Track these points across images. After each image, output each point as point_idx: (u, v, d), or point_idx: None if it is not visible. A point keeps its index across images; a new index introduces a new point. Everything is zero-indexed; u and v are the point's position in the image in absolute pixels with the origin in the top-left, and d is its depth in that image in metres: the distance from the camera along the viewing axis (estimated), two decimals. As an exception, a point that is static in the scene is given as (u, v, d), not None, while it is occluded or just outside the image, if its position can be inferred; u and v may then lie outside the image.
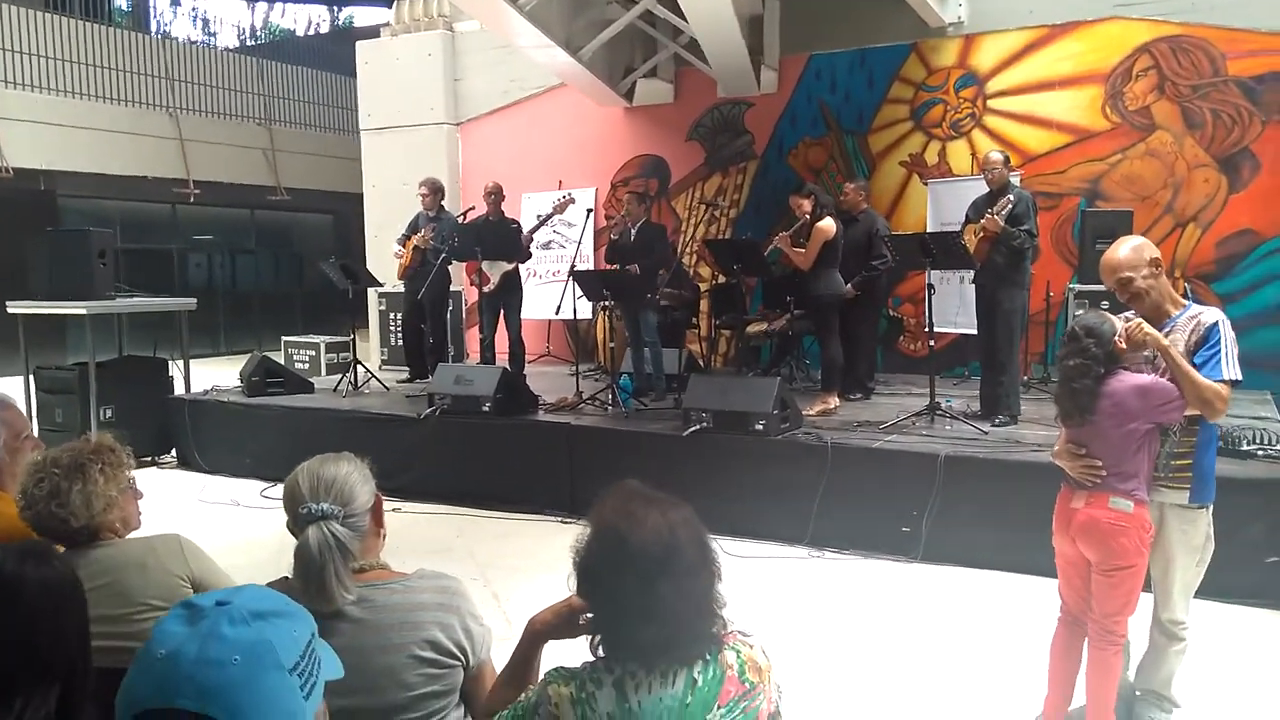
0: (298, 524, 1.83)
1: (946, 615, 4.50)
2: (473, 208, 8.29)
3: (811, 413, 6.37)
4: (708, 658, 1.55)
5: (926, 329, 6.24)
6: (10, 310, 7.54)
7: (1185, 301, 2.98)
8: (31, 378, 7.57)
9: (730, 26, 7.84)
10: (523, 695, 1.65)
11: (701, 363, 8.77)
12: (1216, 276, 7.73)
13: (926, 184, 8.62)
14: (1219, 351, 2.78)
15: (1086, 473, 2.87)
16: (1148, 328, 2.81)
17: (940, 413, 6.03)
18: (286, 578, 1.84)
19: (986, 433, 5.72)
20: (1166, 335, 2.88)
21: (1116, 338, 2.84)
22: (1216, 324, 2.83)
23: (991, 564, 4.97)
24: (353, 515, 1.86)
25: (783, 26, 9.25)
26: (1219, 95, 7.69)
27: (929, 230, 7.88)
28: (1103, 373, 2.84)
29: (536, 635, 1.85)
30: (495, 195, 7.83)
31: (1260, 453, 4.89)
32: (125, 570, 2.18)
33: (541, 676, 1.63)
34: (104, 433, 2.32)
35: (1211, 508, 2.97)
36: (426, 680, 1.83)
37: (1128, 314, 3.04)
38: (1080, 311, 3.10)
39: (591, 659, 1.59)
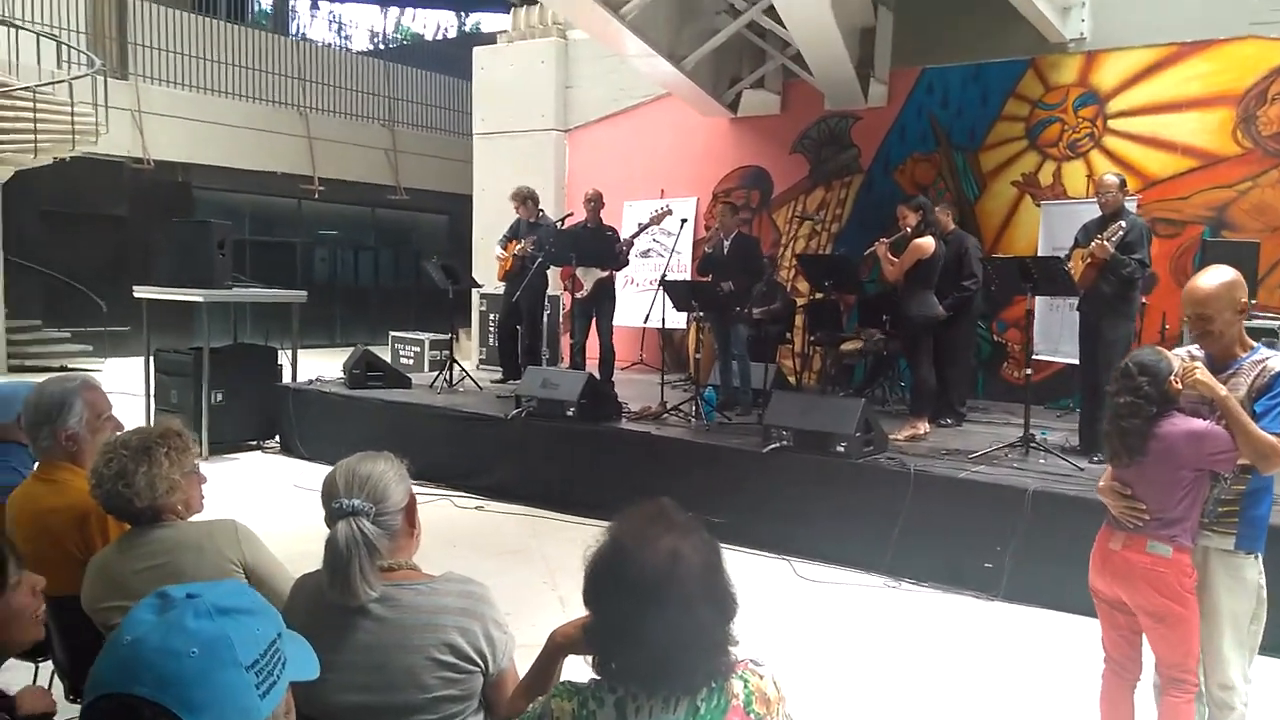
0: (330, 518, 1.88)
1: (1025, 659, 4.32)
2: (570, 214, 8.40)
3: (899, 437, 6.21)
4: (713, 685, 1.52)
5: (1025, 357, 6.00)
6: (136, 295, 8.00)
7: (1253, 344, 2.80)
8: (152, 359, 8.00)
9: (834, 39, 7.73)
10: (530, 705, 1.65)
11: (793, 379, 8.66)
12: (1353, 316, 7.20)
13: (1039, 205, 8.30)
14: None
15: (1129, 514, 2.75)
16: (1204, 375, 2.65)
17: (1034, 445, 5.80)
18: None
19: (1082, 469, 5.45)
20: (1229, 379, 2.71)
21: (1172, 377, 2.68)
22: None
23: (1077, 608, 4.69)
24: (385, 514, 1.90)
25: (895, 39, 9.06)
26: (1365, 121, 7.18)
27: (1039, 254, 7.60)
28: (1155, 413, 2.69)
29: (557, 648, 1.86)
30: (594, 203, 7.91)
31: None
32: (182, 551, 2.28)
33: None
34: (172, 419, 2.43)
35: (1261, 558, 2.78)
36: (444, 683, 1.85)
37: (1191, 349, 2.88)
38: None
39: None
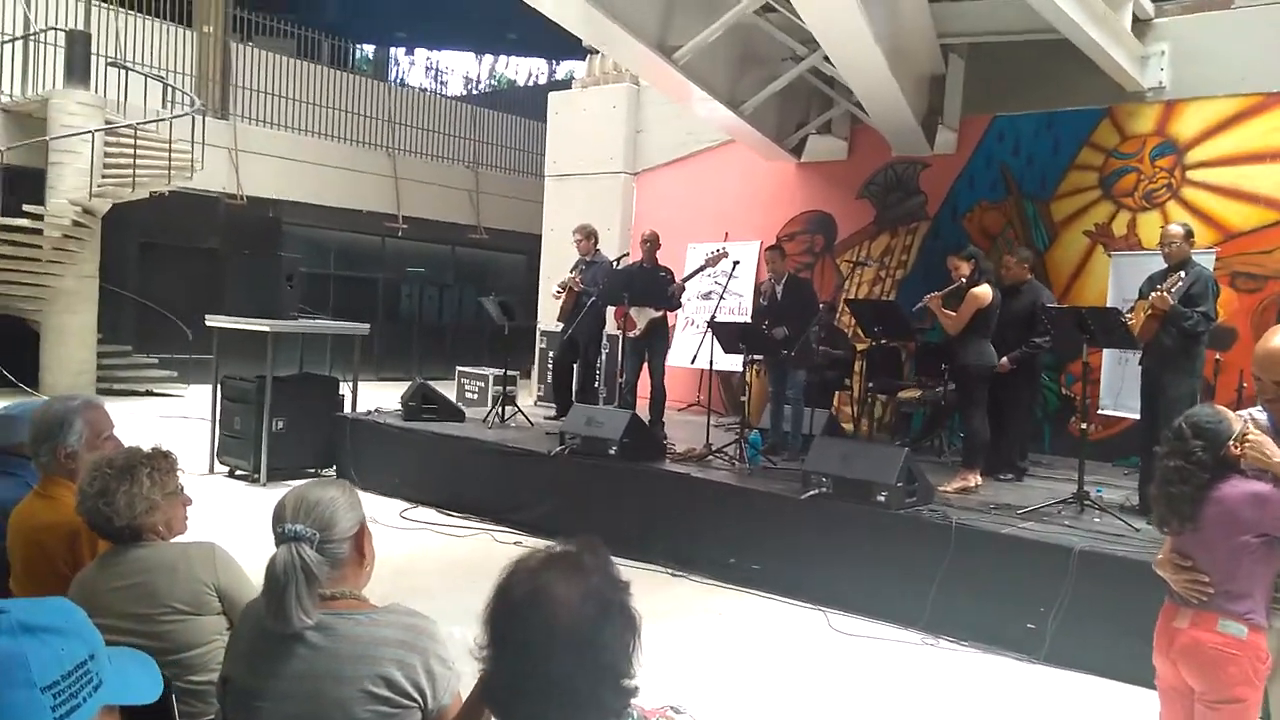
0: (275, 542, 1.89)
1: (1060, 727, 4.10)
2: (626, 254, 8.45)
3: (949, 490, 6.02)
4: None
5: (1080, 411, 5.77)
6: (208, 324, 8.32)
7: None
8: (219, 386, 8.29)
9: (892, 90, 7.68)
10: None
11: (851, 425, 8.49)
12: None
13: (1110, 255, 8.02)
14: None
15: (1191, 588, 2.54)
16: (1271, 448, 2.46)
17: (1089, 503, 5.54)
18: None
19: (1138, 530, 5.19)
20: None
21: (1231, 442, 2.51)
22: None
23: (1121, 675, 4.47)
24: (330, 541, 1.90)
25: (966, 86, 8.93)
26: None
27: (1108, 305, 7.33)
28: (1208, 479, 2.51)
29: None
30: (651, 244, 7.94)
31: None
32: (157, 572, 2.32)
33: None
34: (158, 444, 2.49)
35: None
36: (376, 717, 1.82)
37: (1254, 411, 2.69)
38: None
39: None
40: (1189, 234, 5.74)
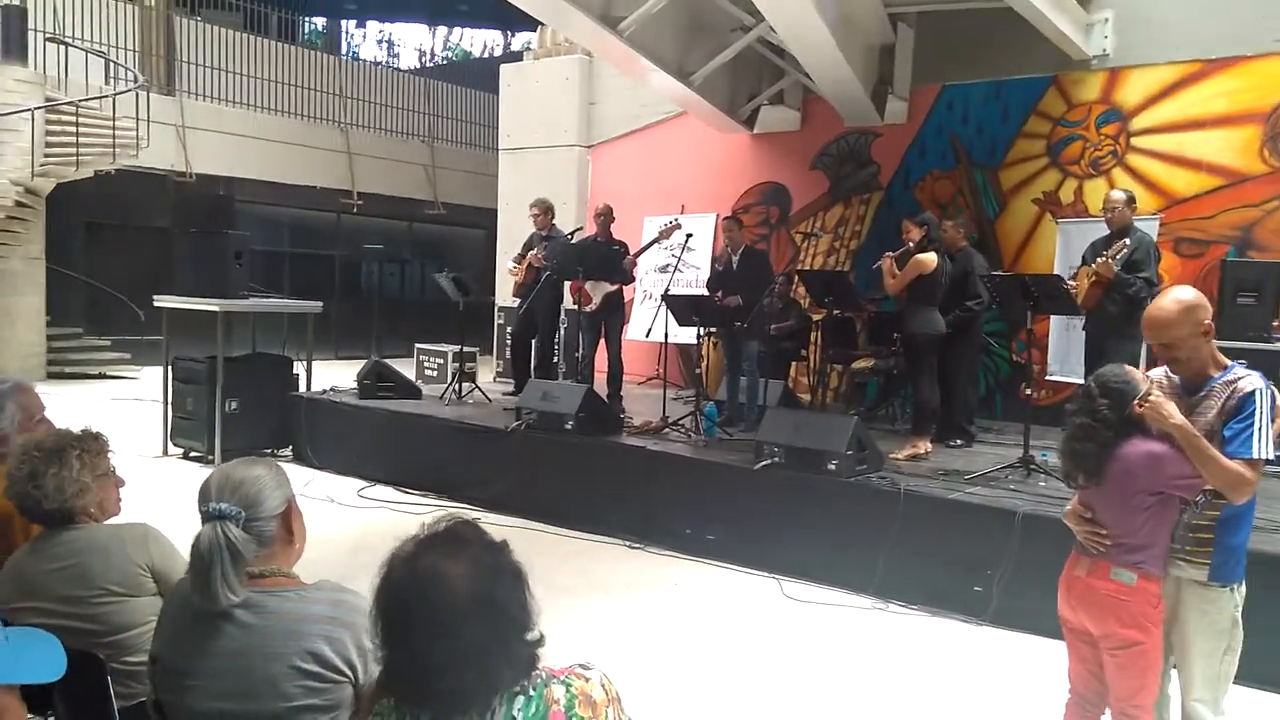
0: (201, 521, 1.88)
1: (1009, 685, 4.20)
2: (580, 228, 8.43)
3: (900, 456, 6.10)
4: (531, 693, 1.49)
5: (1027, 377, 5.88)
6: (155, 304, 8.19)
7: (1229, 362, 2.67)
8: (170, 368, 8.17)
9: (838, 62, 7.70)
10: None
11: (809, 396, 8.56)
12: (1385, 340, 6.92)
13: (1058, 223, 8.13)
14: (1252, 426, 2.48)
15: (1091, 539, 2.67)
16: (1168, 409, 2.54)
17: (1034, 467, 5.65)
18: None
19: (1082, 492, 5.31)
20: (1201, 401, 2.61)
21: (1137, 401, 2.58)
22: (1254, 393, 2.52)
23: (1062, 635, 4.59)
24: (256, 519, 1.90)
25: (915, 56, 8.96)
26: (1397, 139, 6.92)
27: (1055, 272, 7.44)
28: (1111, 436, 2.59)
29: None
30: (604, 217, 7.93)
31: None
32: (90, 554, 2.30)
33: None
34: (89, 426, 2.46)
35: (1242, 589, 2.65)
36: (306, 693, 1.83)
37: (1167, 370, 2.76)
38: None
39: None
40: (1130, 200, 5.84)
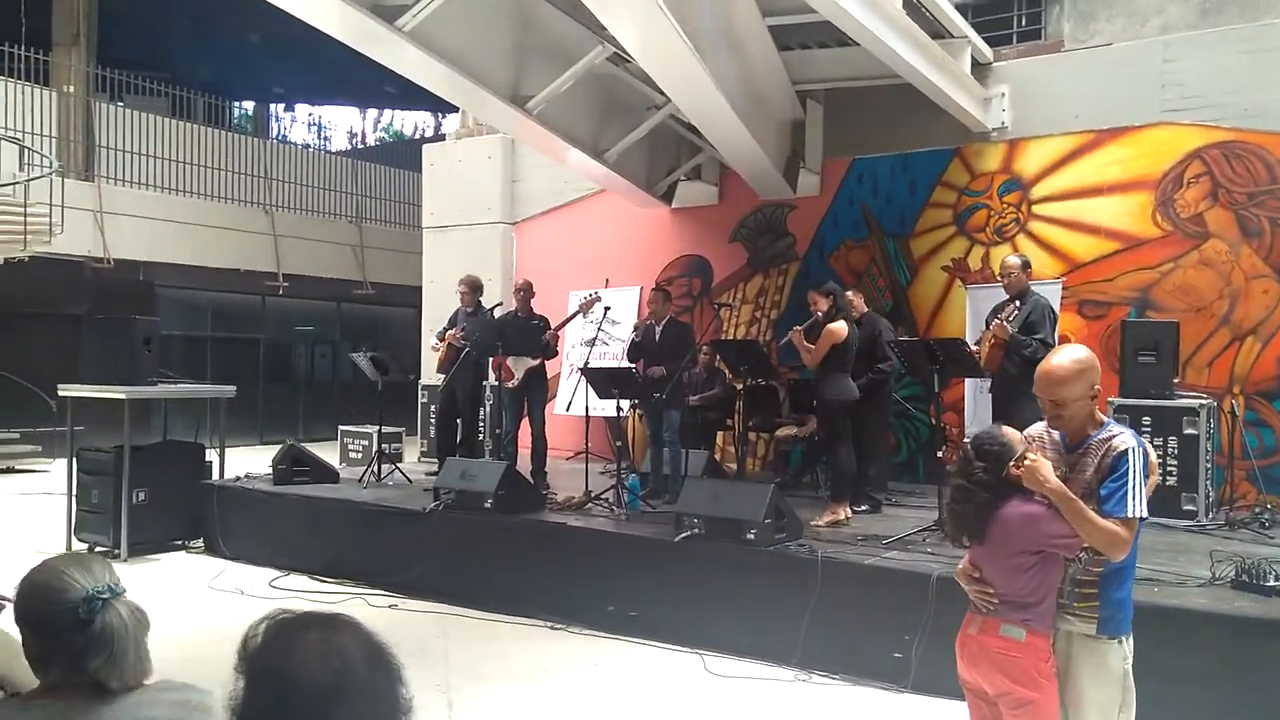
0: (91, 610, 1.73)
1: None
2: (500, 304, 8.41)
3: (820, 524, 6.10)
4: None
5: (941, 440, 5.95)
6: (60, 393, 7.92)
7: (1105, 419, 2.72)
8: (75, 459, 7.88)
9: (745, 140, 7.91)
10: None
11: (734, 466, 8.56)
12: (1279, 394, 7.19)
13: (966, 288, 8.36)
14: (1126, 485, 2.52)
15: (980, 597, 2.68)
16: (1043, 473, 2.57)
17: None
18: None
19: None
20: (1079, 458, 2.65)
21: (1012, 464, 2.61)
22: (1126, 453, 2.56)
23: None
24: None
25: (825, 131, 9.24)
26: (1277, 203, 7.28)
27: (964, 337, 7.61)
28: (987, 498, 2.62)
29: None
30: (524, 292, 7.94)
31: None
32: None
33: None
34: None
35: (1130, 641, 2.67)
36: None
37: (1046, 427, 2.80)
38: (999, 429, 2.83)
39: None
40: (1026, 264, 6.02)
